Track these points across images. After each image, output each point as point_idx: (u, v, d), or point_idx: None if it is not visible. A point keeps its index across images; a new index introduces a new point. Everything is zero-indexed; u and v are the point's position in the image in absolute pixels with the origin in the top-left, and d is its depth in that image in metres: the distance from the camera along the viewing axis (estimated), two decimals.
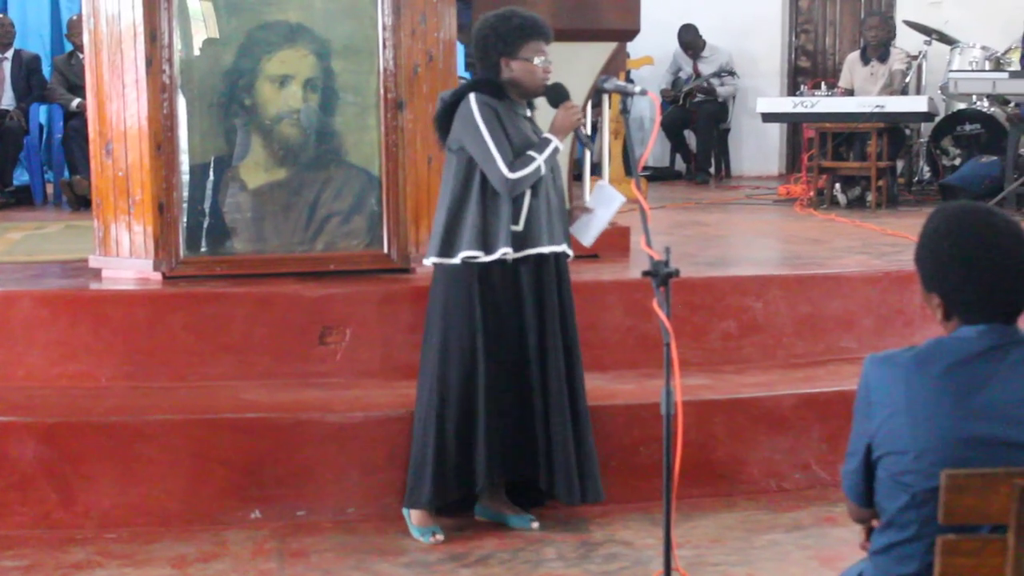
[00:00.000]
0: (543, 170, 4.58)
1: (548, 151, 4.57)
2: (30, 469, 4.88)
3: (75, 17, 10.25)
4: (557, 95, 4.66)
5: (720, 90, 11.99)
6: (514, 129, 4.56)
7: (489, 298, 4.62)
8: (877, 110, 9.32)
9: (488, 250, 4.55)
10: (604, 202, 4.75)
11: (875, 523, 2.73)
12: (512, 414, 4.68)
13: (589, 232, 4.77)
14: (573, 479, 4.69)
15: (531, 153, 4.54)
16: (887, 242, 7.38)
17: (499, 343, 4.64)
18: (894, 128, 9.66)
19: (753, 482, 5.24)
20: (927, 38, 10.68)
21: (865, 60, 10.38)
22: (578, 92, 6.44)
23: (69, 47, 11.12)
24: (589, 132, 4.68)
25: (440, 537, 4.66)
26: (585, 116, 6.57)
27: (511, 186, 4.53)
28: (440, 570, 4.41)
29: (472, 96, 4.56)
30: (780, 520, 4.93)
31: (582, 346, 5.64)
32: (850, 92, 10.23)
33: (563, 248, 4.69)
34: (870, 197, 9.41)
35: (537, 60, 4.60)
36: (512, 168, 4.51)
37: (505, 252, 4.56)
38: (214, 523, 4.86)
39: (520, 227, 4.59)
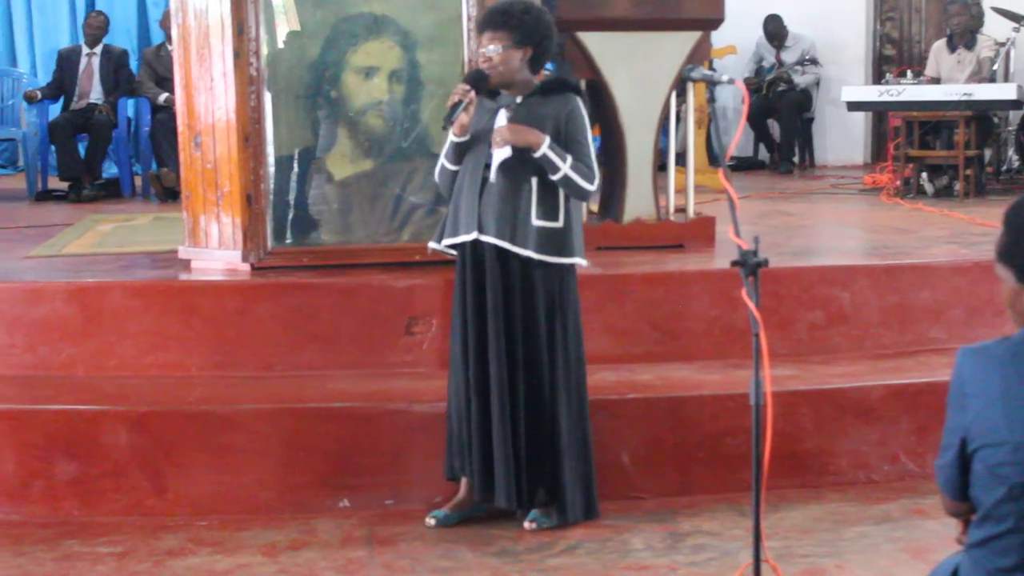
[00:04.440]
0: (447, 164, 4.69)
1: (445, 146, 4.69)
2: (123, 457, 4.96)
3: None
4: (463, 80, 4.69)
5: (798, 79, 11.88)
6: (477, 125, 4.62)
7: (457, 290, 4.74)
8: (964, 98, 9.19)
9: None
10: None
11: (972, 516, 2.70)
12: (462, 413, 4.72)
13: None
14: (510, 483, 4.60)
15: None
16: (976, 231, 7.28)
17: (459, 340, 4.71)
18: (982, 116, 9.52)
19: (841, 473, 5.20)
20: (1015, 24, 10.52)
21: (952, 48, 10.25)
22: (662, 81, 6.44)
23: (156, 41, 11.28)
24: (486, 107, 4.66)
25: (431, 522, 4.73)
26: (670, 106, 6.56)
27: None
28: (527, 559, 4.42)
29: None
30: (869, 512, 4.89)
31: (667, 336, 5.67)
32: (937, 80, 10.11)
33: (473, 236, 4.56)
34: (958, 186, 9.29)
35: (480, 50, 4.64)
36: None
37: (433, 246, 4.75)
38: (303, 511, 4.91)
39: (450, 215, 4.70)
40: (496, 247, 4.56)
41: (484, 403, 4.62)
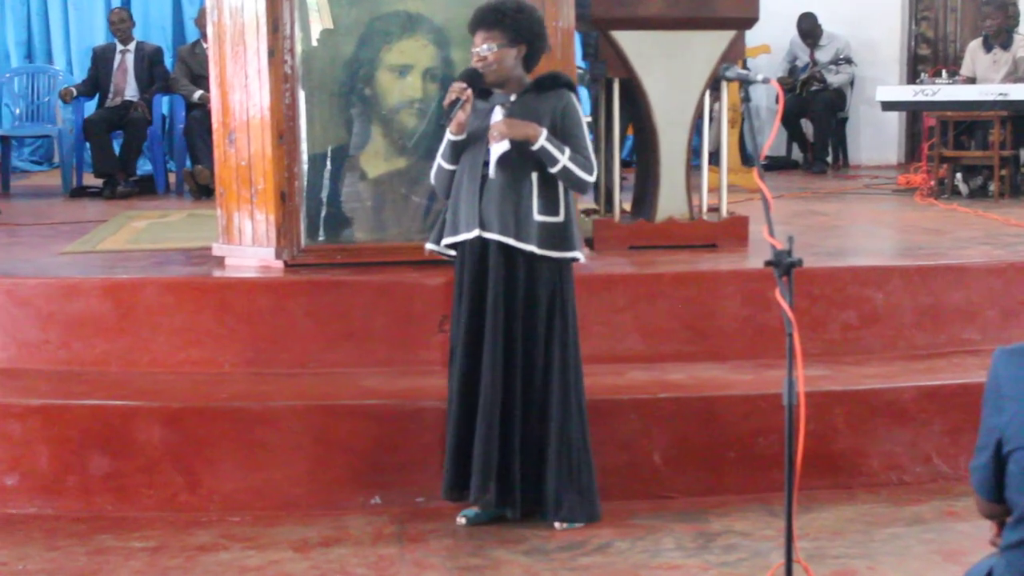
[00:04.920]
0: (444, 164, 4.67)
1: (442, 145, 4.67)
2: (156, 453, 4.99)
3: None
4: (457, 78, 4.64)
5: (832, 78, 11.83)
6: (472, 125, 4.59)
7: (454, 291, 4.72)
8: (1000, 98, 9.13)
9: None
10: None
11: (1007, 518, 2.69)
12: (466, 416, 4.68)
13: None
14: (488, 482, 4.59)
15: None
16: (1011, 232, 7.25)
17: (457, 338, 4.67)
18: (1018, 116, 9.44)
19: (873, 474, 5.18)
20: None
21: (987, 47, 10.19)
22: (696, 80, 6.43)
23: (191, 39, 11.32)
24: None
25: (462, 520, 4.72)
26: (703, 105, 6.54)
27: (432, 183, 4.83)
28: (559, 558, 4.42)
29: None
30: (901, 513, 4.87)
31: (699, 336, 5.67)
32: (972, 80, 10.05)
33: (474, 233, 4.55)
34: (992, 187, 9.24)
35: (474, 50, 4.60)
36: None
37: (431, 247, 4.75)
38: (335, 508, 4.93)
39: (448, 216, 4.68)
40: (499, 244, 4.55)
41: (470, 399, 4.61)
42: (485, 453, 4.57)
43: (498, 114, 4.60)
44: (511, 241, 4.53)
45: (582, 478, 4.69)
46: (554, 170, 4.52)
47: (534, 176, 4.56)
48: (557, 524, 4.65)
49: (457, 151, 4.63)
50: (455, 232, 4.63)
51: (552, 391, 4.62)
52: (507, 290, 4.58)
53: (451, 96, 4.53)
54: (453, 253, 4.69)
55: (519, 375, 4.60)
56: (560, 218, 4.60)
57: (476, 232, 4.56)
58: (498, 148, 4.55)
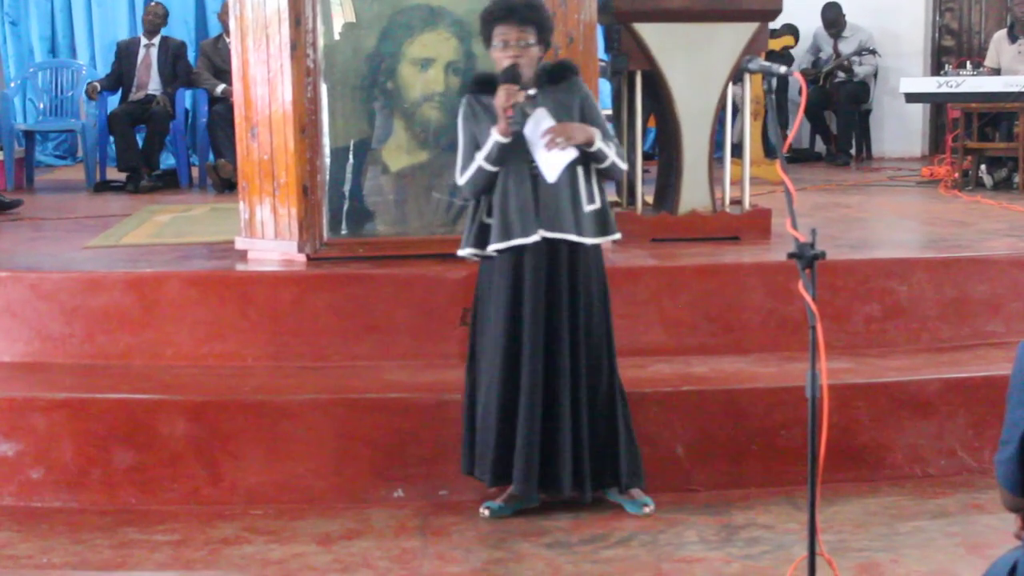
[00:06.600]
0: (488, 167, 4.53)
1: (486, 148, 4.52)
2: (179, 446, 5.00)
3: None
4: (503, 79, 4.50)
5: (856, 70, 11.78)
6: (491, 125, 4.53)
7: (499, 292, 4.63)
8: None
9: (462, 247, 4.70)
10: (535, 129, 4.55)
11: None
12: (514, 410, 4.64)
13: (544, 168, 4.55)
14: (532, 472, 4.60)
15: (477, 153, 4.56)
16: None
17: (506, 335, 4.60)
18: None
19: (897, 467, 5.17)
20: None
21: (1012, 38, 10.14)
22: (719, 73, 6.41)
23: (214, 33, 11.35)
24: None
25: (485, 513, 4.74)
26: (726, 97, 6.51)
27: (461, 191, 4.69)
28: (581, 551, 4.42)
29: (463, 99, 4.68)
30: (925, 506, 4.86)
31: (722, 328, 5.66)
32: (997, 71, 10.00)
33: (537, 236, 4.50)
34: (1017, 178, 9.19)
35: (501, 44, 4.51)
36: (462, 172, 4.61)
37: (474, 252, 4.65)
38: (358, 501, 4.94)
39: (494, 220, 4.58)
40: (563, 242, 4.54)
41: (549, 398, 4.58)
42: (567, 447, 4.59)
43: (546, 117, 4.54)
44: (575, 237, 4.54)
45: (633, 445, 4.75)
46: (603, 166, 4.56)
47: (579, 170, 4.58)
48: (646, 510, 4.72)
49: (505, 153, 4.52)
50: (508, 237, 4.54)
51: (614, 373, 4.68)
52: (570, 284, 4.59)
53: (513, 99, 4.43)
54: (494, 255, 4.62)
55: (584, 363, 4.61)
56: (599, 204, 4.63)
57: (538, 235, 4.52)
58: (564, 156, 4.52)
